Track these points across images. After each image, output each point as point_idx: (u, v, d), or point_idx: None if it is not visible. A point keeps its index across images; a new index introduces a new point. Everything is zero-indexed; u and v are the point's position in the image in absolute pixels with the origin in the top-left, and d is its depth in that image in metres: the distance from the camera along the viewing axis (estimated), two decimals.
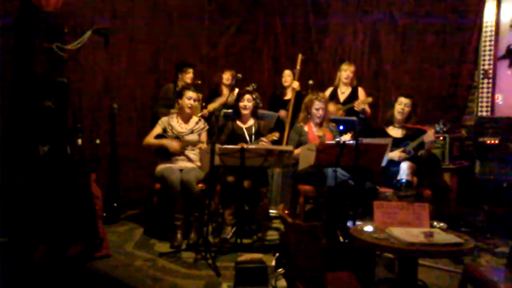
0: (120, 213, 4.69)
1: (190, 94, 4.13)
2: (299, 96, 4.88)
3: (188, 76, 4.85)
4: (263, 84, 6.24)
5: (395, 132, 4.14)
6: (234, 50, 6.34)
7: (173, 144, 4.02)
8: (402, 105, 4.09)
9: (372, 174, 4.13)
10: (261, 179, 4.02)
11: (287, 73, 5.22)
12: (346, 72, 4.85)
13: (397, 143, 4.00)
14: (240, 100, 4.20)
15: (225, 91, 5.13)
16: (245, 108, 4.17)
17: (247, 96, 4.19)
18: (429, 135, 3.87)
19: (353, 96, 4.83)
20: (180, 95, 4.18)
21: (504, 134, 4.35)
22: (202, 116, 4.59)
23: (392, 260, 3.17)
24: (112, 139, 4.65)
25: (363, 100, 4.70)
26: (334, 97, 4.87)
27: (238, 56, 6.36)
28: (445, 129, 4.04)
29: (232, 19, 6.28)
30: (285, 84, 5.20)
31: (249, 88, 4.34)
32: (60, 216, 3.12)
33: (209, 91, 5.30)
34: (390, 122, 4.18)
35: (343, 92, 4.90)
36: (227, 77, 5.16)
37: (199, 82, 5.00)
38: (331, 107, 4.65)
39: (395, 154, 3.93)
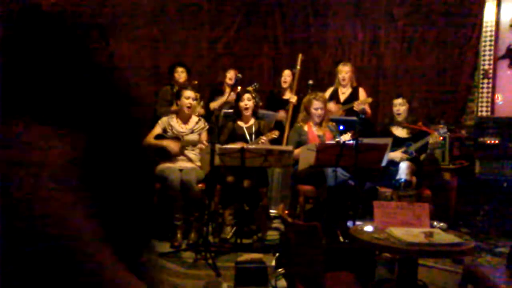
0: None
1: (188, 93, 4.13)
2: (295, 109, 4.80)
3: (177, 75, 4.81)
4: (263, 84, 6.23)
5: (399, 132, 4.16)
6: (234, 50, 6.34)
7: (172, 146, 4.02)
8: (397, 106, 4.15)
9: (372, 174, 4.13)
10: (261, 179, 4.03)
11: (286, 73, 5.20)
12: (341, 74, 4.86)
13: (400, 142, 4.02)
14: (240, 100, 4.20)
15: (228, 90, 5.13)
16: (246, 107, 4.17)
17: (247, 96, 4.19)
18: (435, 137, 3.90)
19: (353, 96, 4.82)
20: (178, 95, 4.18)
21: (504, 134, 4.36)
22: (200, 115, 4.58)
23: (392, 260, 3.17)
24: None
25: (362, 101, 4.70)
26: (335, 97, 4.86)
27: (238, 56, 6.36)
28: (448, 134, 4.06)
29: (232, 19, 6.28)
30: (284, 85, 5.15)
31: (251, 88, 4.33)
32: None
33: (211, 90, 5.29)
34: (393, 122, 4.20)
35: (344, 92, 4.90)
36: (230, 76, 5.14)
37: (196, 82, 4.99)
38: (332, 106, 4.65)
39: (397, 155, 3.94)
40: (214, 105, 4.96)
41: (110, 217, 0.91)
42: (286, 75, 5.18)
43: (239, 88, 4.36)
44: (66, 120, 0.85)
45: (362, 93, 4.86)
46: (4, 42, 0.90)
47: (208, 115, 4.85)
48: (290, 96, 4.88)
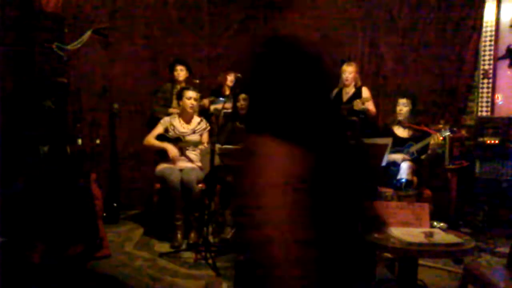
0: (120, 213, 4.69)
1: (190, 94, 4.13)
2: None
3: (176, 73, 4.79)
4: None
5: (401, 131, 4.17)
6: (234, 51, 6.33)
7: (173, 150, 4.02)
8: (400, 105, 4.16)
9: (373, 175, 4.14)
10: None
11: None
12: (344, 73, 4.85)
13: (401, 142, 4.04)
14: (237, 101, 4.22)
15: (228, 92, 5.12)
16: (242, 108, 4.19)
17: (243, 96, 4.20)
18: (436, 138, 3.91)
19: (356, 96, 4.80)
20: (180, 96, 4.19)
21: (504, 134, 4.35)
22: (203, 108, 4.58)
23: (392, 260, 3.17)
24: (112, 139, 4.65)
25: (362, 99, 4.68)
26: (339, 97, 4.85)
27: (238, 56, 6.35)
28: (451, 135, 4.06)
29: (232, 19, 6.28)
30: None
31: None
32: (60, 216, 3.12)
33: (211, 92, 5.29)
34: (396, 122, 4.22)
35: (347, 92, 4.89)
36: (231, 78, 5.13)
37: (197, 81, 4.98)
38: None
39: (399, 157, 3.95)
40: (214, 108, 4.94)
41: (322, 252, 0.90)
42: None
43: (237, 89, 4.36)
44: (300, 139, 0.85)
45: (365, 92, 4.83)
46: (255, 70, 0.92)
47: (205, 115, 4.83)
48: None
